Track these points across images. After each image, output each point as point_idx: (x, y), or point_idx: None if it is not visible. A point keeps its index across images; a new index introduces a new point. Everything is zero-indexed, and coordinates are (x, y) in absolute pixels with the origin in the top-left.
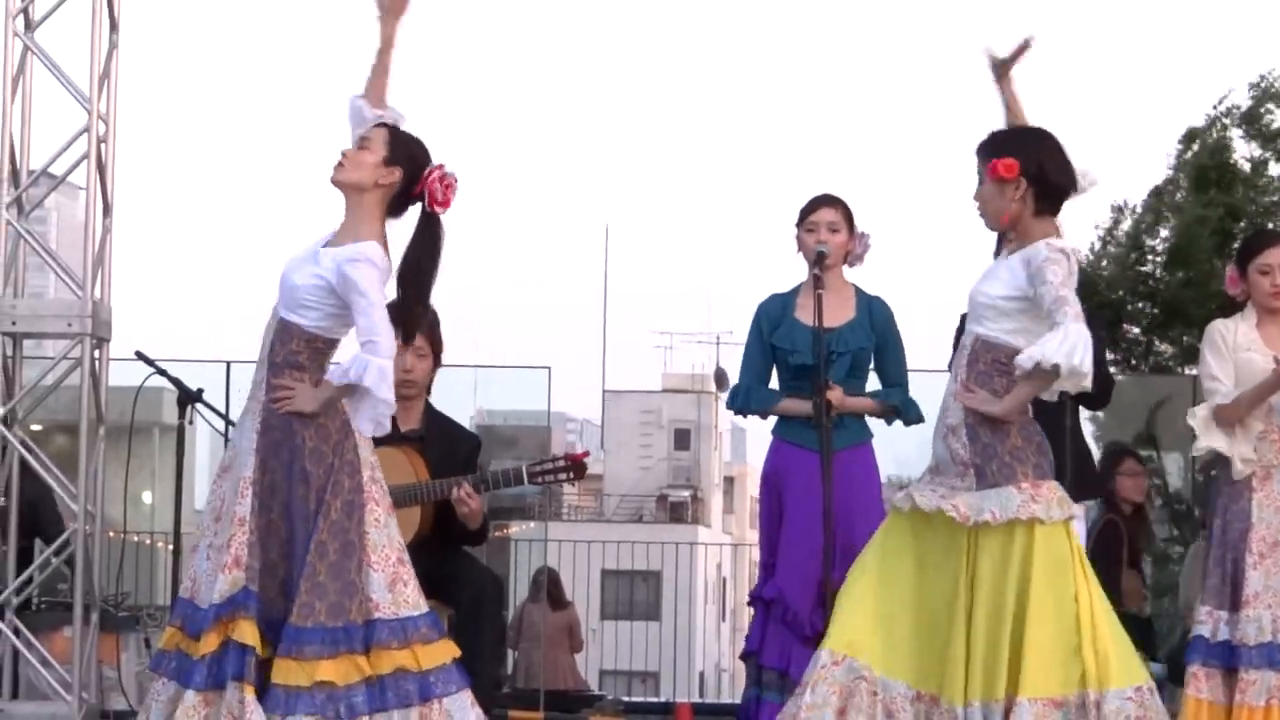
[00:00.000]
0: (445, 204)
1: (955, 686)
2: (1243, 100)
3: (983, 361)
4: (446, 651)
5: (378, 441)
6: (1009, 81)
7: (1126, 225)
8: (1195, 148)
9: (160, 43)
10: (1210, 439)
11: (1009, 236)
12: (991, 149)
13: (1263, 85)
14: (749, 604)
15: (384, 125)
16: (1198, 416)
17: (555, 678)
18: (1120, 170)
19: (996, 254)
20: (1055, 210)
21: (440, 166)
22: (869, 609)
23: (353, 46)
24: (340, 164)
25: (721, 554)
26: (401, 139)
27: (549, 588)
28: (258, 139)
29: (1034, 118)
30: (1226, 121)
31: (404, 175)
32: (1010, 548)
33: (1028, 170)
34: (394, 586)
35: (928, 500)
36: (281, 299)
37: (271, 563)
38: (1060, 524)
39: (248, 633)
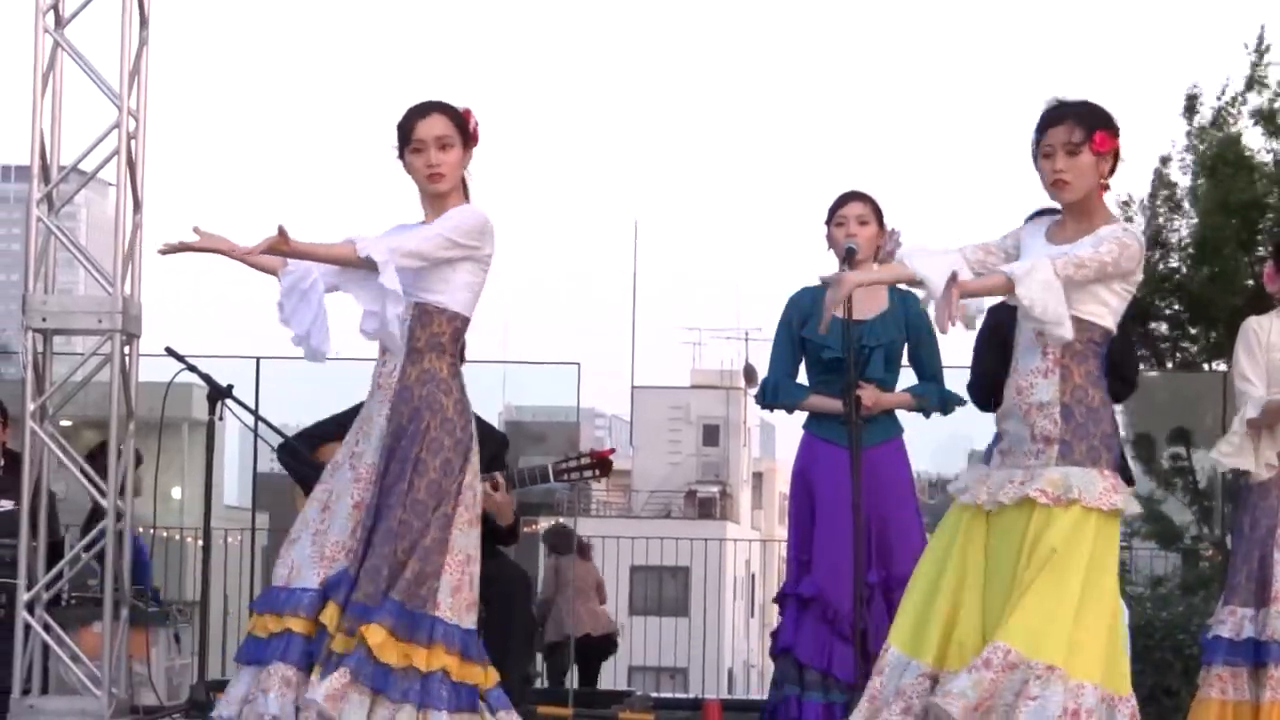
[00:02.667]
0: (477, 139)
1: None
2: (1240, 84)
3: (1078, 342)
4: (490, 676)
5: None
6: None
7: (1139, 222)
8: (1196, 123)
9: (191, 39)
10: (1240, 459)
11: (1057, 216)
12: (1093, 119)
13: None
14: (776, 600)
15: (435, 111)
16: (1235, 439)
17: (593, 624)
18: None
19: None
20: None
21: (468, 111)
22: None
23: (381, 43)
24: (439, 174)
25: (750, 550)
26: (455, 117)
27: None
28: (288, 134)
29: (1025, 111)
30: (1233, 112)
31: (470, 147)
32: (1082, 529)
33: (1116, 149)
34: (456, 593)
35: (1011, 493)
36: (409, 288)
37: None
38: (1117, 517)
39: (333, 618)
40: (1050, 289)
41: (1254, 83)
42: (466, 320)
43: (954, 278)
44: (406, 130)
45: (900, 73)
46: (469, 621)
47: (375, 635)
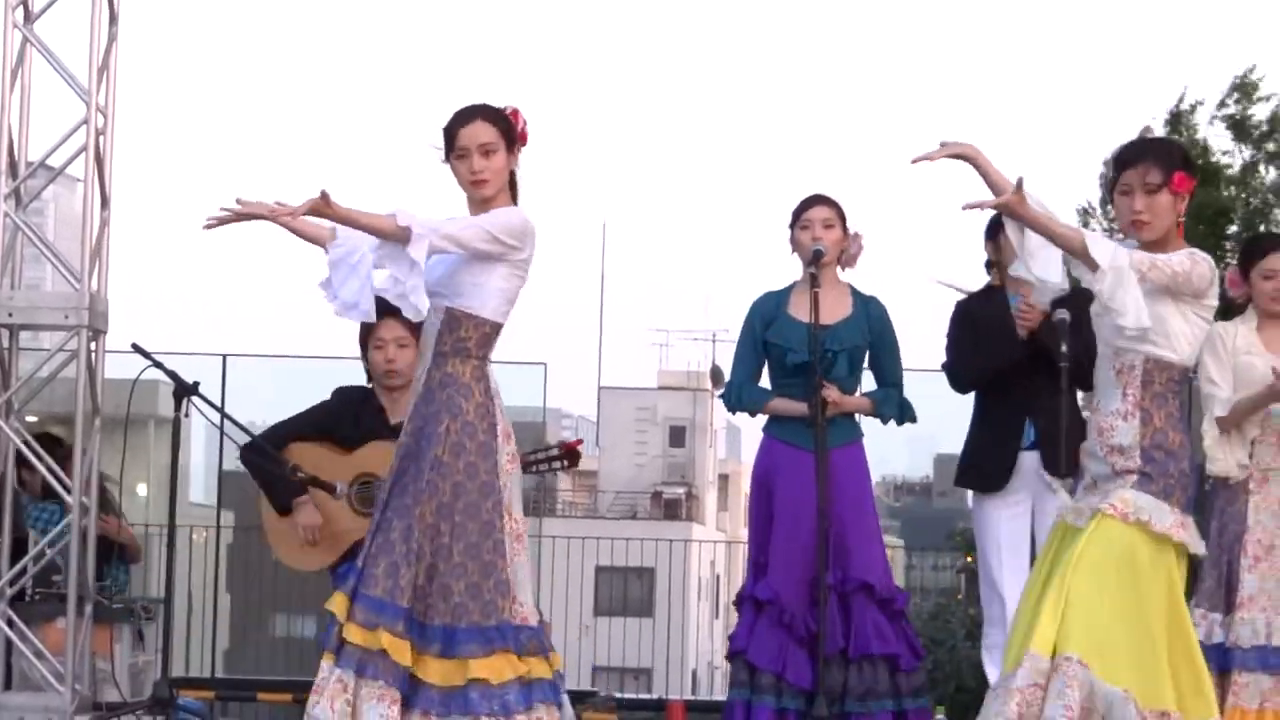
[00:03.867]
0: (525, 138)
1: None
2: (1207, 95)
3: (1157, 382)
4: (551, 664)
5: (366, 436)
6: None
7: (1096, 228)
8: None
9: (160, 35)
10: (1223, 465)
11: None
12: (1170, 160)
13: (1241, 85)
14: (735, 604)
15: (479, 117)
16: (1209, 437)
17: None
18: (1083, 171)
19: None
20: None
21: (514, 110)
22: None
23: (352, 40)
24: (482, 181)
25: (715, 551)
26: (500, 120)
27: None
28: (256, 132)
29: (995, 117)
30: (1195, 120)
31: (517, 151)
32: (1161, 553)
33: (1193, 189)
34: (517, 595)
35: (1088, 512)
36: (443, 292)
37: (392, 538)
38: (1186, 557)
39: (341, 605)
40: (1122, 275)
41: (1238, 89)
42: (498, 326)
43: (1020, 183)
44: (450, 136)
45: (867, 77)
46: (533, 618)
47: (479, 669)
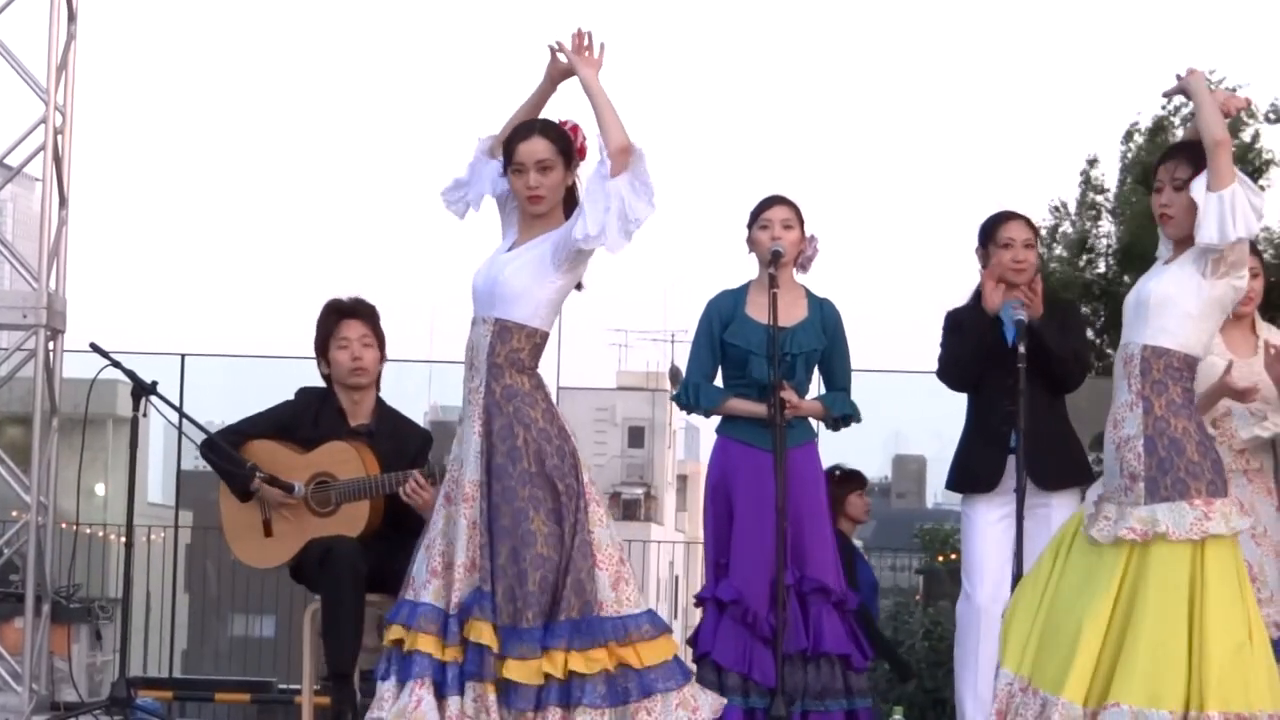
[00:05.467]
0: (584, 152)
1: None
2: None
3: (1156, 370)
4: (668, 648)
5: (325, 436)
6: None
7: (1066, 226)
8: (1137, 141)
9: (118, 34)
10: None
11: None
12: (1200, 158)
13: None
14: (697, 604)
15: (537, 133)
16: None
17: None
18: (1057, 168)
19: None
20: None
21: (574, 126)
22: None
23: (308, 40)
24: (538, 197)
25: (674, 551)
26: (555, 136)
27: None
28: (216, 131)
29: (970, 114)
30: (1175, 121)
31: (574, 168)
32: (1181, 564)
33: None
34: (617, 585)
35: (1106, 531)
36: (491, 304)
37: (500, 563)
38: (1231, 538)
39: (484, 633)
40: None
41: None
42: (546, 335)
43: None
44: (509, 151)
45: (828, 79)
46: (640, 605)
47: (572, 660)
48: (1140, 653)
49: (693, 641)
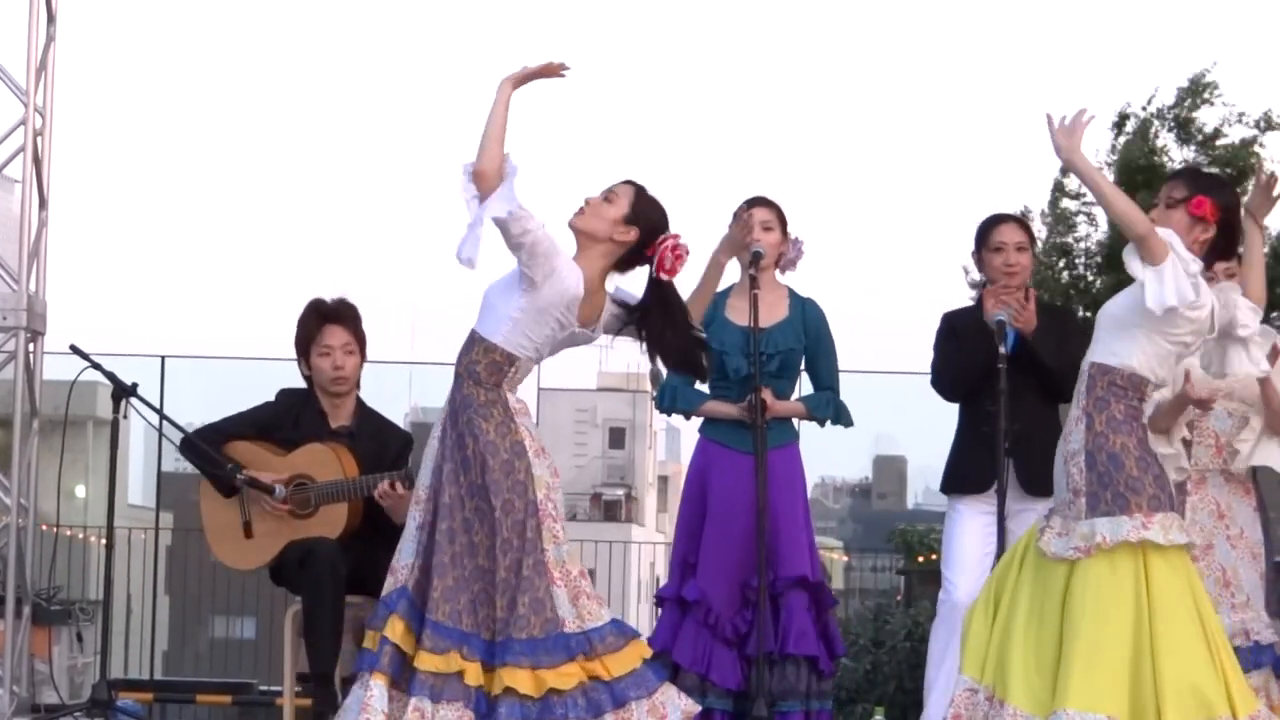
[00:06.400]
0: (672, 273)
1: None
2: (1171, 99)
3: (1099, 386)
4: (637, 654)
5: (305, 438)
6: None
7: (1039, 229)
8: (1124, 139)
9: (98, 35)
10: None
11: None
12: (1197, 183)
13: (1193, 88)
14: (657, 602)
15: (632, 183)
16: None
17: None
18: (1023, 170)
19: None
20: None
21: (675, 236)
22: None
23: (288, 39)
24: (581, 210)
25: (655, 553)
26: (645, 201)
27: None
28: (195, 132)
29: (954, 111)
30: (1157, 123)
31: (639, 236)
32: (1120, 573)
33: (1221, 219)
34: (577, 600)
35: (1053, 547)
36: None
37: (479, 567)
38: (1178, 549)
39: (396, 629)
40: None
41: (1191, 91)
42: (510, 358)
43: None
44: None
45: (811, 79)
46: (601, 616)
47: (522, 681)
48: (1076, 656)
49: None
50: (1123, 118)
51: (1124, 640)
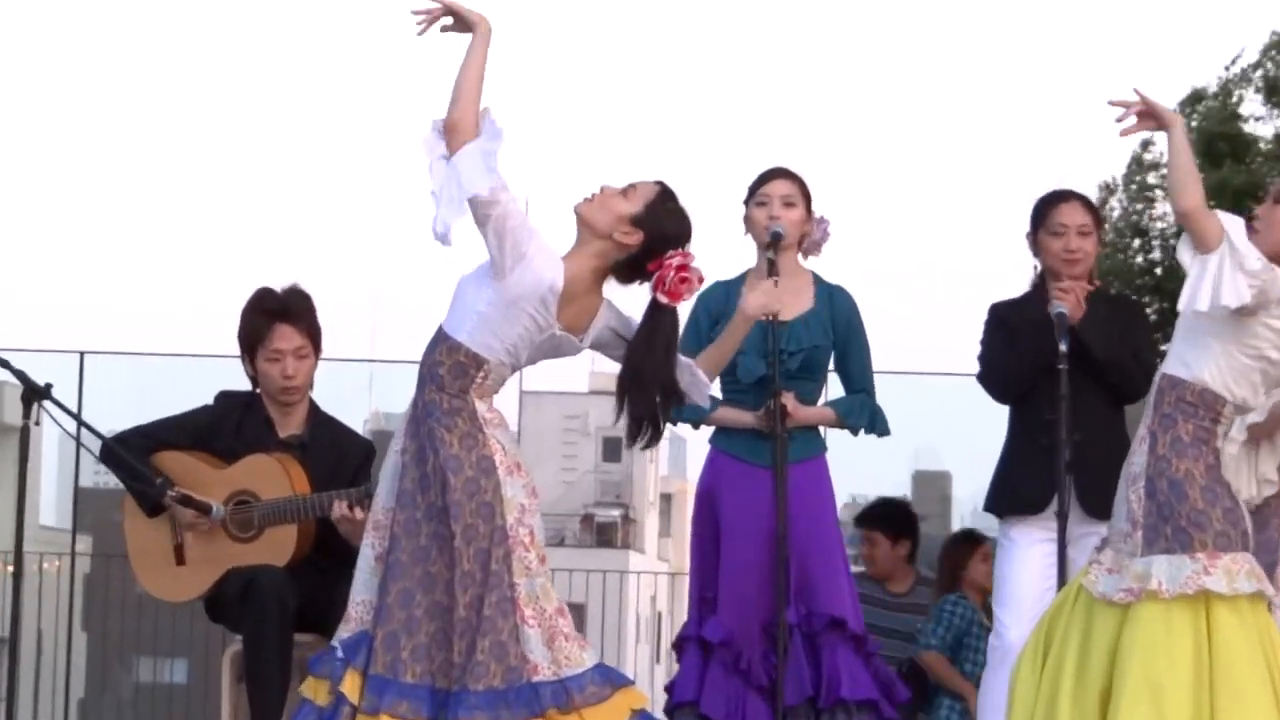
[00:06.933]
0: (673, 296)
1: None
2: (1254, 59)
3: (1166, 403)
4: (626, 704)
5: (248, 448)
6: None
7: (1114, 207)
8: (1200, 110)
9: (11, 24)
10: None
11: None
12: None
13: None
14: (674, 646)
15: (660, 184)
16: (1227, 453)
17: None
18: (1106, 142)
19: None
20: None
21: (686, 255)
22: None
23: (202, 27)
24: (590, 197)
25: (657, 584)
26: (664, 207)
27: None
28: (108, 120)
29: (1009, 83)
30: (1241, 87)
31: (643, 243)
32: (1176, 628)
33: None
34: (553, 642)
35: (1104, 586)
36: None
37: (437, 604)
38: (1250, 599)
39: (352, 685)
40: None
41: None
42: (478, 360)
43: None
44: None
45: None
46: (583, 662)
47: None
48: None
49: (670, 689)
50: (1196, 97)
51: (1180, 707)
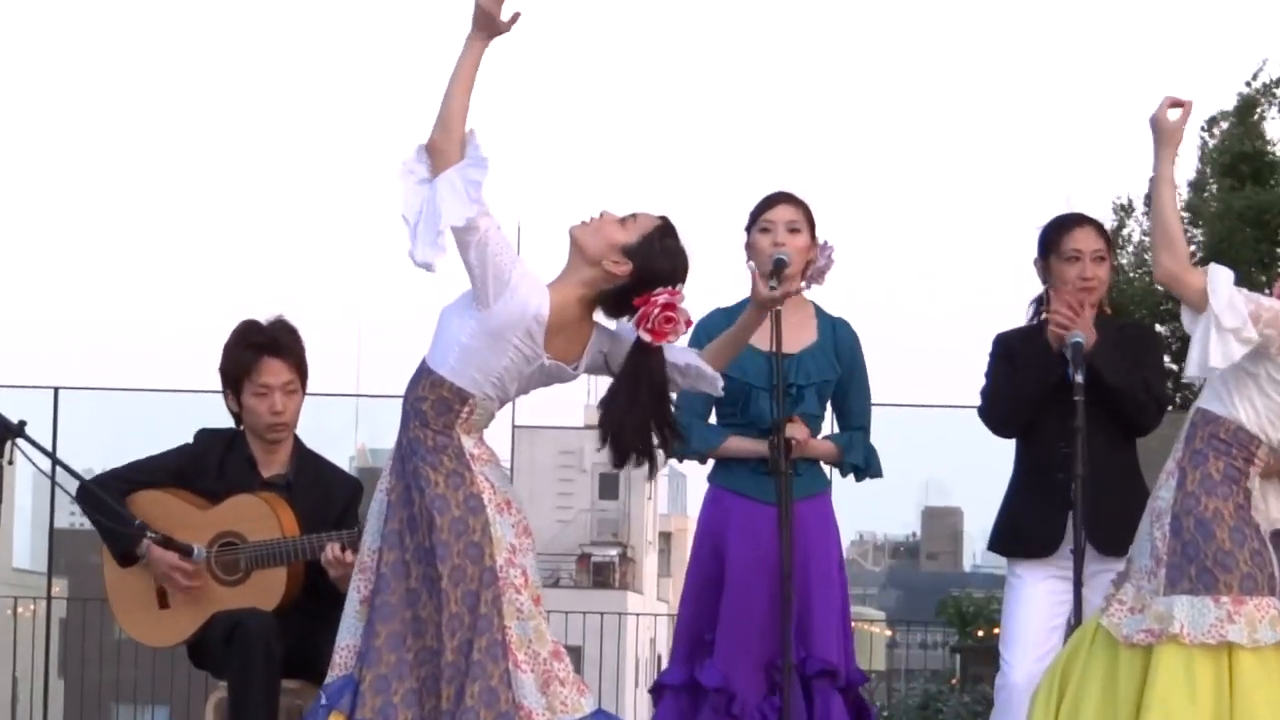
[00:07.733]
0: (655, 335)
1: None
2: (1277, 74)
3: (1199, 438)
4: None
5: (231, 488)
6: None
7: (1133, 229)
8: (1219, 131)
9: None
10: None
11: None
12: None
13: None
14: (651, 691)
15: (663, 219)
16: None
17: None
18: (1122, 163)
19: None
20: None
21: (674, 294)
22: None
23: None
24: (588, 220)
25: (656, 626)
26: (661, 242)
27: None
28: (85, 155)
29: (1020, 101)
30: (1263, 104)
31: (632, 275)
32: (1199, 672)
33: None
34: (548, 687)
35: (1125, 627)
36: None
37: (426, 649)
38: (1273, 649)
39: None
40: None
41: None
42: (462, 395)
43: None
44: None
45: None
46: (581, 708)
47: None
48: None
49: None
50: (1212, 122)
51: None
